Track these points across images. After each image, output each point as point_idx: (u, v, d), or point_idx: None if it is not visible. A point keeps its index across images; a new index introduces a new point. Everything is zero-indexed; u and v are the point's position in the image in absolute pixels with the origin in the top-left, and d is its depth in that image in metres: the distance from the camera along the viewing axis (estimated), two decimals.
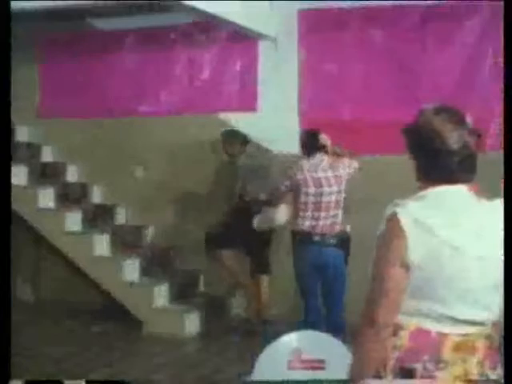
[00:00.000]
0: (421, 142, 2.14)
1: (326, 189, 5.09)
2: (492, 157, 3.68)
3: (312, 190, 5.08)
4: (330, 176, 5.15)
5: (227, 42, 7.15)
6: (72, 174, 7.73)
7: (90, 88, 7.57)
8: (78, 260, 6.92)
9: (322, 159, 5.22)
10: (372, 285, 2.12)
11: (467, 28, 6.39)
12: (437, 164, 2.11)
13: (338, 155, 5.34)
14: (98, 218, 7.37)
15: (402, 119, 7.02)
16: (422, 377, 2.10)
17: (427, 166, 2.15)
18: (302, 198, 5.09)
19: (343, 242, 5.16)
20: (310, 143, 5.31)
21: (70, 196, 7.45)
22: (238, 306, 7.05)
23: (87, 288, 7.15)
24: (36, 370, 5.16)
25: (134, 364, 5.58)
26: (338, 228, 5.12)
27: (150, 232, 7.40)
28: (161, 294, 6.67)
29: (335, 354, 2.94)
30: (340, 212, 5.14)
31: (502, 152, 2.25)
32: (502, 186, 2.14)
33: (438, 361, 2.09)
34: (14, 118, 7.86)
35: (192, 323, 6.49)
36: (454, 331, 2.10)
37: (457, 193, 2.13)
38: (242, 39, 7.02)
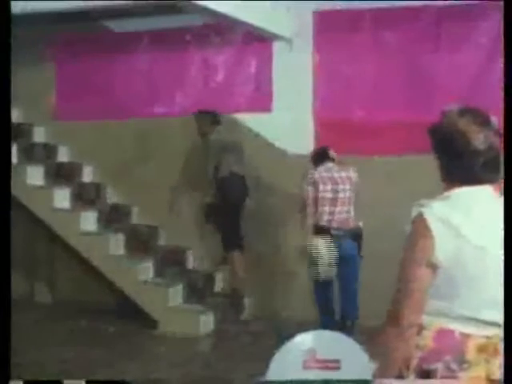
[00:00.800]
0: (446, 143, 2.14)
1: (341, 186, 5.65)
2: None
3: (329, 186, 5.61)
4: (344, 176, 5.72)
5: (241, 43, 7.17)
6: (87, 175, 7.78)
7: (104, 89, 7.61)
8: (94, 260, 6.96)
9: (333, 165, 5.80)
10: (398, 285, 2.13)
11: (480, 29, 6.38)
12: (462, 165, 2.12)
13: (343, 165, 5.89)
14: (113, 217, 7.41)
15: (415, 120, 7.05)
16: (445, 377, 2.10)
17: (452, 167, 2.15)
18: (320, 194, 5.58)
19: (357, 236, 5.69)
20: (321, 157, 5.86)
21: (86, 196, 7.49)
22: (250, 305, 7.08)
23: (102, 288, 7.19)
24: (50, 370, 5.21)
25: (147, 363, 5.61)
26: (351, 223, 5.67)
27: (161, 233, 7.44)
28: (176, 294, 6.70)
29: (350, 354, 2.94)
30: (352, 208, 5.69)
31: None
32: (502, 186, 2.15)
33: (462, 361, 2.10)
34: (30, 118, 8.03)
35: (206, 323, 6.52)
36: (477, 332, 2.10)
37: (481, 193, 2.14)
38: (257, 40, 7.04)
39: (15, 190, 6.12)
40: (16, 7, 4.32)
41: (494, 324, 2.10)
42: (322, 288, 5.80)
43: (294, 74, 6.90)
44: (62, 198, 7.23)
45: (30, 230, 7.51)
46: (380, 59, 6.69)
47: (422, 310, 2.11)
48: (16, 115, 7.42)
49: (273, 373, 2.99)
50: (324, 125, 6.83)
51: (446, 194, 2.16)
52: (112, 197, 7.68)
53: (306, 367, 2.95)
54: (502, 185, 2.14)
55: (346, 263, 5.61)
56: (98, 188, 7.64)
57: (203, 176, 6.89)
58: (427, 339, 2.13)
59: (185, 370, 5.40)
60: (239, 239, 6.77)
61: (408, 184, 6.02)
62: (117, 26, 7.59)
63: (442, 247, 2.07)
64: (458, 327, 2.11)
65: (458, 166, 2.13)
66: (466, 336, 2.10)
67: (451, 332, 2.11)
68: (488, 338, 2.11)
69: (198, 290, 6.98)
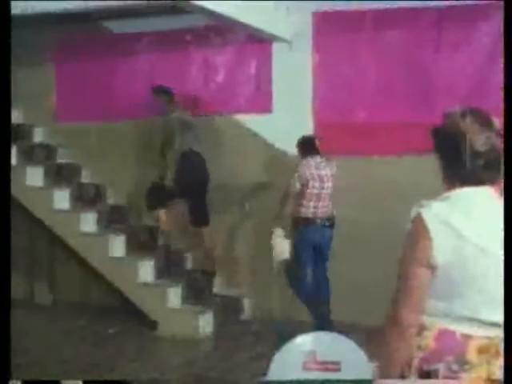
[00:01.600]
0: (448, 145, 2.15)
1: (326, 184, 6.15)
2: None
3: (317, 184, 6.10)
4: (329, 174, 6.19)
5: (241, 44, 7.17)
6: (87, 175, 7.78)
7: (104, 90, 7.61)
8: (93, 260, 6.96)
9: (321, 160, 6.19)
10: (397, 284, 2.14)
11: (480, 29, 6.37)
12: (463, 166, 2.12)
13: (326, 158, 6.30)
14: (113, 218, 7.41)
15: (415, 121, 7.05)
16: (446, 377, 2.10)
17: (454, 168, 2.15)
18: (309, 191, 6.05)
19: (333, 224, 6.27)
20: (308, 146, 6.25)
21: (85, 197, 7.49)
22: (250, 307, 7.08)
23: (102, 288, 7.19)
24: (51, 370, 5.21)
25: (147, 364, 5.62)
26: (330, 213, 6.22)
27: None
28: (175, 295, 6.70)
29: (350, 356, 2.94)
30: (331, 202, 6.24)
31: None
32: (502, 185, 2.15)
33: (463, 362, 2.10)
34: (30, 119, 8.02)
35: (206, 324, 6.52)
36: (478, 333, 2.10)
37: (482, 194, 2.14)
38: (256, 41, 7.04)
39: (15, 191, 6.11)
40: (16, 8, 4.32)
41: (495, 325, 2.10)
42: (294, 273, 6.21)
43: (294, 75, 6.90)
44: (61, 198, 7.22)
45: (29, 230, 7.51)
46: (380, 60, 6.69)
47: (421, 310, 2.11)
48: (15, 116, 7.41)
49: (273, 374, 2.99)
50: (323, 125, 6.83)
51: (446, 194, 2.17)
52: (112, 197, 7.69)
53: (306, 368, 2.95)
54: (502, 185, 2.14)
55: (324, 249, 6.23)
56: (97, 189, 7.64)
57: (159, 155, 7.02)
58: (428, 340, 2.12)
59: (184, 370, 5.40)
60: (205, 215, 6.90)
61: (407, 184, 6.02)
62: (116, 26, 7.59)
63: (441, 247, 2.07)
64: (459, 328, 2.10)
65: (459, 166, 2.13)
66: (467, 337, 2.10)
67: (452, 333, 2.11)
68: (489, 338, 2.11)
69: (198, 291, 6.98)
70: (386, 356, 2.16)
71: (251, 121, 7.07)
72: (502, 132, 2.14)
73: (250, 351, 5.85)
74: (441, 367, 2.11)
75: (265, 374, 2.99)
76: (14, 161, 7.09)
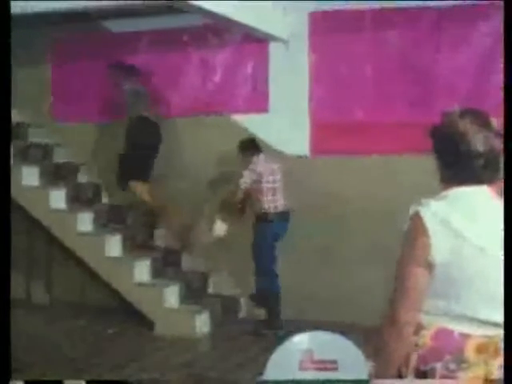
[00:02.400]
0: (446, 144, 2.16)
1: (277, 177, 6.36)
2: None
3: (270, 177, 6.32)
4: (275, 167, 6.38)
5: (238, 44, 7.17)
6: (83, 175, 7.77)
7: (101, 90, 7.60)
8: (90, 260, 6.95)
9: (265, 157, 6.41)
10: (394, 284, 2.14)
11: (480, 29, 6.37)
12: (462, 166, 2.13)
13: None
14: (109, 218, 7.40)
15: (413, 121, 7.05)
16: (444, 377, 2.11)
17: (452, 168, 2.16)
18: (264, 185, 6.28)
19: (288, 217, 6.43)
20: (251, 146, 6.46)
21: (82, 197, 7.48)
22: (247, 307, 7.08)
23: (99, 288, 7.18)
24: (50, 371, 5.21)
25: (147, 363, 5.62)
26: (284, 206, 6.38)
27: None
28: (172, 295, 6.70)
29: (347, 355, 2.94)
30: (282, 194, 6.39)
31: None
32: (501, 186, 2.15)
33: (461, 361, 2.10)
34: (27, 118, 7.99)
35: (203, 323, 6.52)
36: (476, 332, 2.11)
37: (479, 193, 2.14)
38: (253, 41, 7.03)
39: (11, 191, 6.09)
40: (16, 7, 4.32)
41: (493, 324, 2.10)
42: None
43: (291, 75, 6.91)
44: (58, 198, 7.21)
45: (26, 230, 7.50)
46: (377, 59, 6.68)
47: (418, 309, 2.11)
48: (12, 116, 7.39)
49: (270, 373, 2.99)
50: (320, 125, 6.84)
51: (444, 193, 2.17)
52: (107, 197, 7.68)
53: (302, 368, 2.94)
54: (502, 185, 2.15)
55: (277, 244, 6.40)
56: (94, 188, 7.64)
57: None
58: (426, 339, 2.13)
59: (182, 370, 5.40)
60: (146, 175, 7.05)
61: (407, 184, 6.03)
62: (114, 26, 7.58)
63: (439, 246, 2.07)
64: (458, 327, 2.11)
65: (457, 166, 2.14)
66: (466, 336, 2.11)
67: (450, 332, 2.11)
68: (488, 338, 2.11)
69: (194, 291, 6.98)
70: (383, 355, 2.17)
71: (248, 120, 7.06)
72: (500, 132, 2.14)
73: (247, 350, 5.85)
74: (438, 366, 2.11)
75: (261, 373, 2.99)
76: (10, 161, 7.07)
